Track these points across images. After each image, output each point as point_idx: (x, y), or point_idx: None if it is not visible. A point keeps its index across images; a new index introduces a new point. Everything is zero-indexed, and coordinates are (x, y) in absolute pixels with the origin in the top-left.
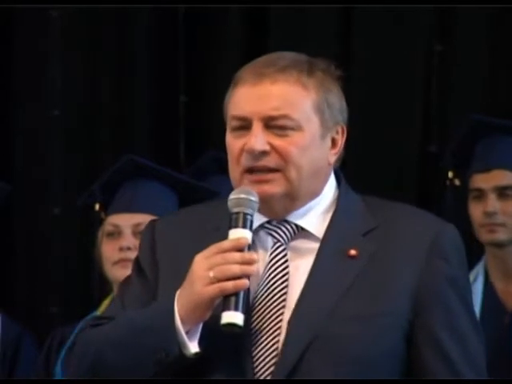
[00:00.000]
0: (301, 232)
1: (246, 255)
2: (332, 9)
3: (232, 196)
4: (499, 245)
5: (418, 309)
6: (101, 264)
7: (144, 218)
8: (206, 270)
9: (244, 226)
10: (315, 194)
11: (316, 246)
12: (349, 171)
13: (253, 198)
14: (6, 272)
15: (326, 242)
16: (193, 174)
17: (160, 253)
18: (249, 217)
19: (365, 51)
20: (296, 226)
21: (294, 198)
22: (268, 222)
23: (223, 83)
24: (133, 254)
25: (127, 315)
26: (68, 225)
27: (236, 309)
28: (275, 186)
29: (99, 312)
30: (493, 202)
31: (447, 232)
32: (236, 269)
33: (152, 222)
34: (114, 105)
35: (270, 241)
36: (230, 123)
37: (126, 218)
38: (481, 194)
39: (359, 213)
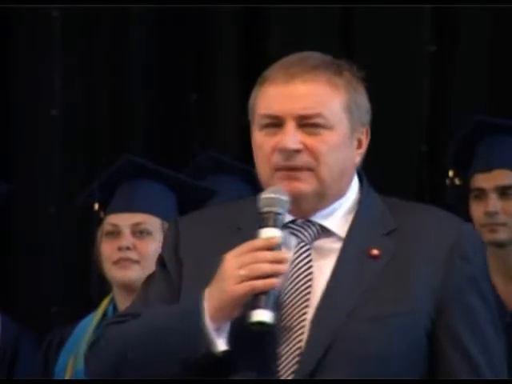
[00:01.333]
0: (324, 232)
1: (278, 254)
2: (331, 9)
3: (263, 195)
4: (500, 244)
5: (440, 308)
6: (100, 264)
7: (143, 218)
8: (237, 268)
9: (275, 226)
10: (341, 193)
11: (339, 246)
12: None
13: (284, 198)
14: (5, 271)
15: (348, 242)
16: (190, 174)
17: (183, 251)
18: (280, 216)
19: (368, 51)
20: (320, 226)
21: (323, 198)
22: (292, 222)
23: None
24: (132, 254)
25: (152, 313)
26: (67, 224)
27: (266, 307)
28: (306, 184)
29: (97, 312)
30: (494, 202)
31: (468, 232)
32: (267, 267)
33: (176, 220)
34: (113, 106)
35: (293, 240)
36: (260, 122)
37: (125, 218)
38: (482, 194)
39: (380, 214)
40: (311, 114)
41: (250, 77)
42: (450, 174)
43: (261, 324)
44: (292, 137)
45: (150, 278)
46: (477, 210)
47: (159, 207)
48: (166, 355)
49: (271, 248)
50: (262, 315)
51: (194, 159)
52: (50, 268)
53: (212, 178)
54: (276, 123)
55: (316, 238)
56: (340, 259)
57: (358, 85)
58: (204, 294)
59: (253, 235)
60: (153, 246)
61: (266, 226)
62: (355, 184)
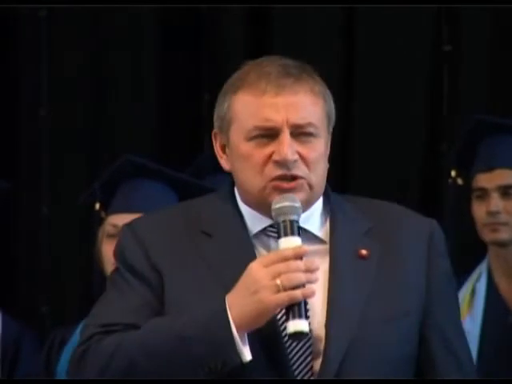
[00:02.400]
0: (304, 235)
1: (310, 263)
2: (337, 8)
3: (276, 205)
4: (502, 244)
5: (426, 307)
6: (101, 264)
7: None
8: (271, 278)
9: (294, 234)
10: (317, 198)
11: (323, 247)
12: (352, 170)
13: (297, 205)
14: (5, 271)
15: (334, 243)
16: (191, 174)
17: (155, 256)
18: (296, 224)
19: (370, 51)
20: (298, 228)
21: (309, 204)
22: (271, 226)
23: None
24: None
25: (170, 322)
26: (67, 224)
27: (301, 317)
28: (300, 193)
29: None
30: (496, 202)
31: (436, 228)
32: (302, 277)
33: (128, 227)
34: (116, 105)
35: (272, 244)
36: (249, 132)
37: (126, 218)
38: (484, 194)
39: (352, 213)
40: (305, 123)
41: None
42: (453, 173)
43: (300, 334)
44: (290, 147)
45: (117, 285)
46: (479, 209)
47: (160, 207)
48: (190, 366)
49: (301, 257)
50: (300, 325)
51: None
52: (49, 268)
53: (211, 178)
54: (268, 134)
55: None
56: (333, 261)
57: (328, 90)
58: (225, 303)
59: (221, 237)
60: None
61: (286, 234)
62: None
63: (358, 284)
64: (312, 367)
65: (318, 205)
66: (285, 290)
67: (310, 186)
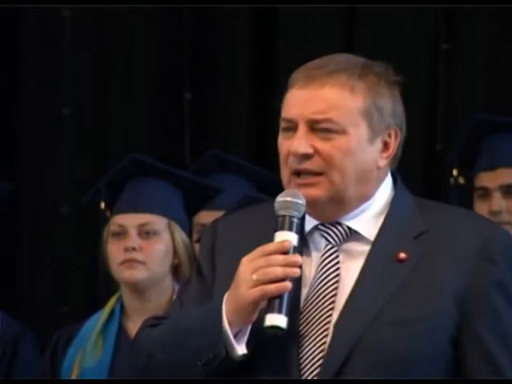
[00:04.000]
0: (353, 234)
1: (290, 257)
2: (337, 8)
3: (279, 198)
4: None
5: (464, 312)
6: (106, 263)
7: (149, 218)
8: (250, 272)
9: (290, 229)
10: (365, 197)
11: (367, 248)
12: None
13: (299, 201)
14: (10, 271)
15: (376, 245)
16: (194, 173)
17: (218, 254)
18: (295, 219)
19: (369, 50)
20: (348, 228)
21: (341, 202)
22: (322, 224)
23: (227, 81)
24: (138, 255)
25: (178, 317)
26: (74, 223)
27: (279, 311)
28: (319, 190)
29: (104, 311)
30: (498, 201)
31: (498, 236)
32: (279, 271)
33: (214, 222)
34: (121, 104)
35: (323, 242)
36: (281, 124)
37: (131, 218)
38: (486, 193)
39: (411, 216)
40: (321, 118)
41: (259, 78)
42: (455, 172)
43: (274, 328)
44: (302, 141)
45: (187, 283)
46: (481, 208)
47: (165, 207)
48: (188, 359)
49: (284, 251)
50: (276, 319)
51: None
52: (55, 267)
53: (215, 176)
54: (292, 127)
55: (344, 240)
56: (367, 262)
57: (384, 88)
58: (224, 298)
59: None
60: (159, 247)
61: (282, 229)
62: (386, 186)
63: (384, 286)
64: (320, 366)
65: (373, 204)
66: (261, 284)
67: (332, 184)
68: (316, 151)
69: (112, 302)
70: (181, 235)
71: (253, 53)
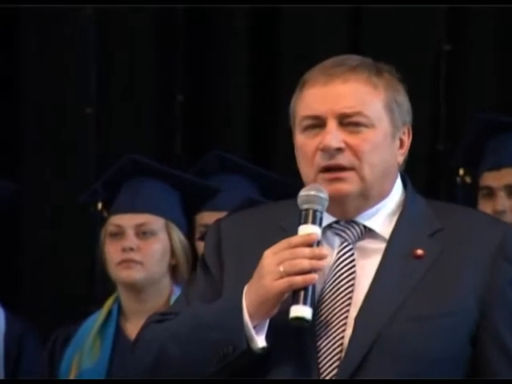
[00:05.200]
0: (368, 233)
1: (316, 250)
2: (341, 9)
3: (302, 193)
4: None
5: (483, 310)
6: (104, 264)
7: (147, 219)
8: (276, 264)
9: (314, 223)
10: (385, 194)
11: (382, 246)
12: None
13: (322, 195)
14: (12, 270)
15: (392, 242)
16: (195, 173)
17: (225, 252)
18: (318, 213)
19: (373, 51)
20: (364, 226)
21: (367, 198)
22: (336, 223)
23: (221, 82)
24: (135, 255)
25: (192, 310)
26: (71, 223)
27: (305, 303)
28: (350, 185)
29: (102, 311)
30: (502, 201)
31: (510, 235)
32: (305, 263)
33: (218, 221)
34: (121, 105)
35: (337, 241)
36: (301, 123)
37: (128, 219)
38: (491, 192)
39: (425, 215)
40: (352, 112)
41: (259, 78)
42: (461, 172)
43: (300, 320)
44: (334, 135)
45: (191, 281)
46: (485, 208)
47: (163, 207)
48: (205, 352)
49: (310, 244)
50: (302, 311)
51: (196, 159)
52: (55, 267)
53: (216, 177)
54: (317, 124)
55: (360, 238)
56: (384, 259)
57: (398, 85)
58: (244, 291)
59: (293, 232)
60: (157, 247)
61: (305, 222)
62: (398, 185)
63: (403, 282)
64: (338, 360)
65: (388, 203)
66: (287, 276)
67: (362, 178)
68: (347, 146)
69: (109, 302)
70: (178, 235)
71: (254, 53)
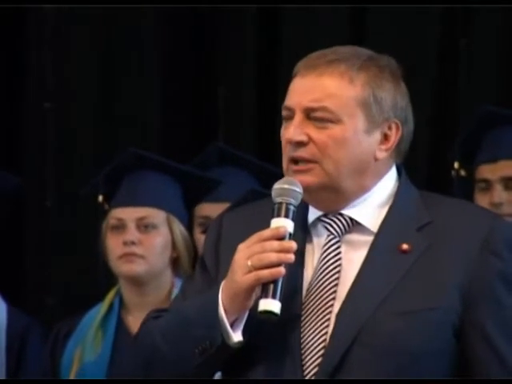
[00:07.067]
0: (355, 225)
1: (285, 243)
2: (344, 9)
3: (276, 186)
4: None
5: (468, 304)
6: (105, 257)
7: (148, 212)
8: (246, 258)
9: (286, 216)
10: (364, 188)
11: (370, 239)
12: None
13: (296, 189)
14: (14, 264)
15: (379, 236)
16: (196, 166)
17: (222, 248)
18: (291, 207)
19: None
20: (350, 219)
21: (337, 191)
22: (325, 215)
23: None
24: (137, 248)
25: (178, 306)
26: (73, 217)
27: (273, 297)
28: (312, 177)
29: (104, 304)
30: (499, 193)
31: (501, 228)
32: (273, 257)
33: (220, 216)
34: (124, 102)
35: (325, 233)
36: (282, 113)
37: (129, 212)
38: (487, 185)
39: (415, 208)
40: (317, 106)
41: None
42: (456, 165)
43: (268, 313)
44: (296, 129)
45: (190, 277)
46: (482, 201)
47: (164, 200)
48: (188, 347)
49: (279, 238)
50: (269, 305)
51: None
52: (57, 259)
53: (217, 169)
54: (291, 115)
55: (347, 231)
56: (370, 253)
57: (386, 80)
58: (221, 287)
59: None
60: (158, 240)
61: (278, 216)
62: (390, 179)
63: (387, 277)
64: (322, 355)
65: (375, 195)
66: (255, 269)
67: (326, 172)
68: (310, 139)
69: (111, 295)
70: (179, 228)
71: (260, 49)
